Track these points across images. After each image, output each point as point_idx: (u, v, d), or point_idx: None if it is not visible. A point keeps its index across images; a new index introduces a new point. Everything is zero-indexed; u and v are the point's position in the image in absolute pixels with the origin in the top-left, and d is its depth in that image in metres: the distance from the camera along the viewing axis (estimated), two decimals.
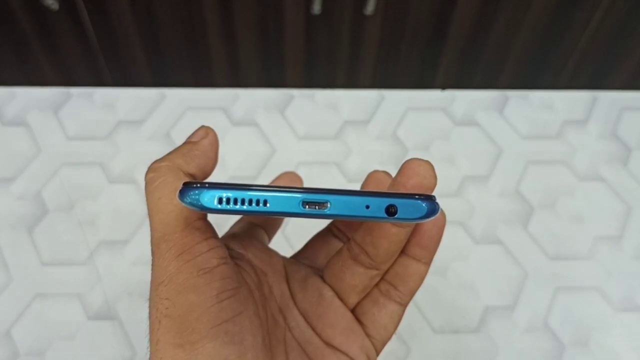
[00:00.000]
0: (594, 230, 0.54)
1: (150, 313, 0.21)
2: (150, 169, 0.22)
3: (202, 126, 0.24)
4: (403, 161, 0.20)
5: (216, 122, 0.59)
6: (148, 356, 0.21)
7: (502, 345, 0.49)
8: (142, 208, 0.54)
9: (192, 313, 0.20)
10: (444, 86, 0.62)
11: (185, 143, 0.24)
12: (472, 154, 0.58)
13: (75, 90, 0.61)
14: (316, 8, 0.52)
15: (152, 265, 0.22)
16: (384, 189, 0.24)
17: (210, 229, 0.22)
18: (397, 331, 0.25)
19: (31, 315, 0.49)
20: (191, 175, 0.23)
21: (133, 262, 0.51)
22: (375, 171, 0.25)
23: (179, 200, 0.19)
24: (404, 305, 0.24)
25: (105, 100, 0.60)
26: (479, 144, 0.59)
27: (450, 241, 0.53)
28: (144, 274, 0.52)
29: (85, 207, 0.54)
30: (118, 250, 0.52)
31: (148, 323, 0.21)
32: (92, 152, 0.57)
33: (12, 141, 0.57)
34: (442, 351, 0.48)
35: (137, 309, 0.49)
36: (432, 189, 0.20)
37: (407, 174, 0.20)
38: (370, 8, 0.52)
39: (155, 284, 0.21)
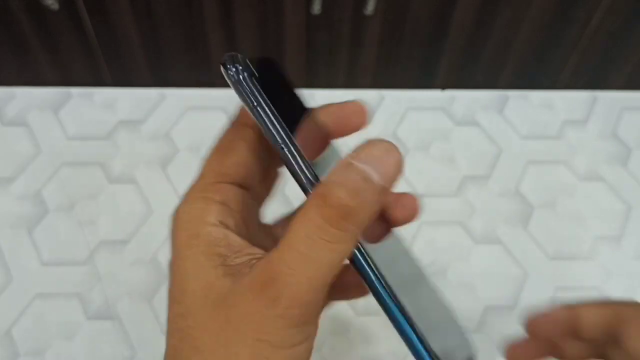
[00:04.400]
0: (594, 230, 0.54)
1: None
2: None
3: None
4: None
5: (216, 122, 0.59)
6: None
7: (502, 346, 0.49)
8: (142, 208, 0.54)
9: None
10: (444, 86, 0.62)
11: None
12: (472, 154, 0.58)
13: (75, 90, 0.61)
14: (316, 8, 0.52)
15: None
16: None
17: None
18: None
19: (31, 315, 0.49)
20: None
21: (133, 262, 0.51)
22: None
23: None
24: None
25: (105, 100, 0.60)
26: (479, 144, 0.59)
27: (450, 241, 0.53)
28: (144, 274, 0.52)
29: (85, 207, 0.54)
30: (118, 250, 0.52)
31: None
32: (92, 152, 0.57)
33: (12, 141, 0.57)
34: None
35: (137, 309, 0.49)
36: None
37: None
38: (370, 8, 0.52)
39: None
